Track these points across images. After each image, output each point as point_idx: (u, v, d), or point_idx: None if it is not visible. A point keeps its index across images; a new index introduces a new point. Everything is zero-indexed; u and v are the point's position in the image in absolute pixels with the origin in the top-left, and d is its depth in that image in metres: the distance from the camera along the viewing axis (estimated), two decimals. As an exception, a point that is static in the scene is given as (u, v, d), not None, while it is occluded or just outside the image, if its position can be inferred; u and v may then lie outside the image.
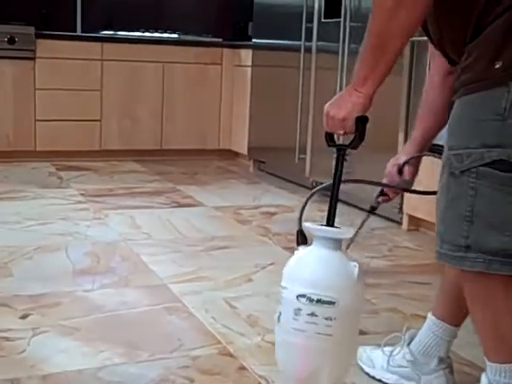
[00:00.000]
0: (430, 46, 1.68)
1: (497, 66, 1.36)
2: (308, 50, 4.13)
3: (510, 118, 1.35)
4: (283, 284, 1.52)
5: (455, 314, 1.74)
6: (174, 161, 5.19)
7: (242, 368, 1.90)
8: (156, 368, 1.87)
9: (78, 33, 5.40)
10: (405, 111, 3.40)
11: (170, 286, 2.50)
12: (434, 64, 1.77)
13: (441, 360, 1.76)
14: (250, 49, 5.03)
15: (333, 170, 1.55)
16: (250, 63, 5.03)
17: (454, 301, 1.72)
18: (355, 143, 1.52)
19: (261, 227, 3.41)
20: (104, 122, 5.04)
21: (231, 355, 1.97)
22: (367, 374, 1.89)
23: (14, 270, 2.62)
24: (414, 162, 1.82)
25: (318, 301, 1.46)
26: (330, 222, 1.53)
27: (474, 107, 1.40)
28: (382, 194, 1.85)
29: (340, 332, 1.49)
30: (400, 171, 1.80)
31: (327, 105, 1.51)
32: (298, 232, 1.61)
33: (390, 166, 1.83)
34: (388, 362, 1.84)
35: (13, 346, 1.97)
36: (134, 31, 5.32)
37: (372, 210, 1.88)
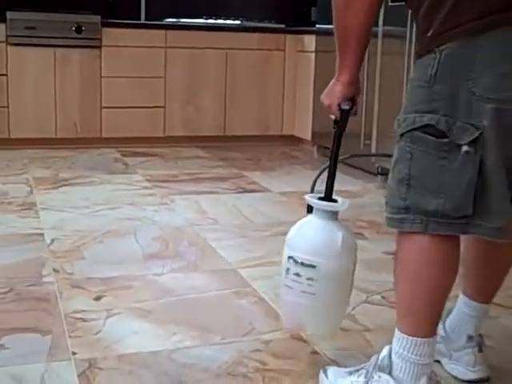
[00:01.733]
0: None
1: (428, 35, 1.43)
2: (374, 34, 4.06)
3: (437, 84, 1.41)
4: (284, 246, 1.75)
5: (480, 290, 1.75)
6: (237, 147, 5.20)
7: (315, 352, 1.90)
8: (229, 351, 1.88)
9: (142, 21, 5.45)
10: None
11: (238, 270, 2.51)
12: None
13: (470, 338, 1.77)
14: (313, 34, 4.99)
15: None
16: (313, 49, 4.99)
17: (478, 277, 1.75)
18: (339, 127, 1.71)
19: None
20: (168, 109, 5.09)
21: (303, 340, 1.97)
22: None
23: (86, 253, 2.67)
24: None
25: (302, 263, 1.68)
26: (326, 196, 1.73)
27: (414, 73, 1.50)
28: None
29: (322, 292, 1.68)
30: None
31: (322, 95, 1.71)
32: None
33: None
34: None
35: (88, 327, 2.01)
36: (197, 18, 5.34)
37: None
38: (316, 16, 5.19)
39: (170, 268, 2.52)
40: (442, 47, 1.39)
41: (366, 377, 1.59)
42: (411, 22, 3.72)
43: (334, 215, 1.71)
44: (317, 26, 4.96)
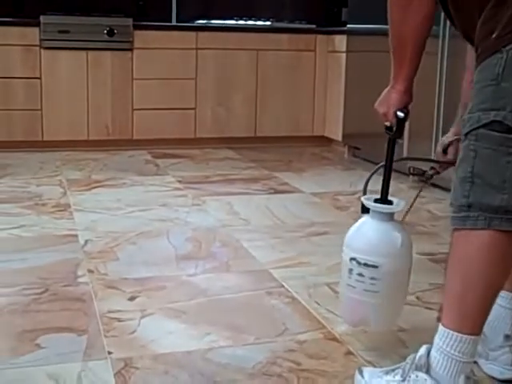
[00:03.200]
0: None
1: (493, 36, 1.44)
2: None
3: (504, 81, 1.41)
4: (343, 247, 1.83)
5: None
6: (267, 148, 5.20)
7: (349, 353, 1.89)
8: (263, 351, 1.88)
9: (174, 23, 5.49)
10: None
11: (271, 271, 2.51)
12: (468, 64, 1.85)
13: (507, 337, 1.75)
14: (344, 34, 4.97)
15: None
16: (344, 49, 4.97)
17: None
18: (395, 134, 1.78)
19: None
20: (199, 110, 5.11)
21: (337, 340, 1.96)
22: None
23: (119, 254, 2.69)
24: (458, 143, 1.87)
25: (365, 264, 1.76)
26: (383, 197, 1.80)
27: (479, 76, 1.49)
28: (432, 168, 2.03)
29: (385, 289, 1.78)
30: (445, 151, 1.94)
31: (376, 103, 1.78)
32: (361, 203, 1.83)
33: (438, 146, 1.97)
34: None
35: (123, 327, 2.03)
36: (227, 20, 5.36)
37: (426, 181, 2.09)
38: (346, 16, 5.17)
39: (202, 268, 2.53)
40: (509, 46, 1.41)
41: (402, 376, 1.57)
42: (444, 20, 3.69)
43: (390, 216, 1.80)
44: (347, 26, 4.94)
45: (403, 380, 1.56)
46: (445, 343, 1.51)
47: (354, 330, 1.99)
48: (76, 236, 2.91)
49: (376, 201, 1.81)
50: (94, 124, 4.96)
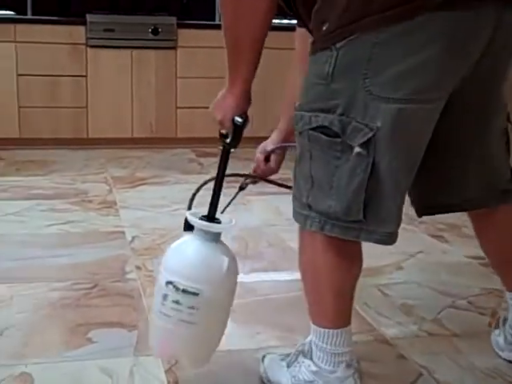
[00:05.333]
0: (296, 36, 1.74)
1: (323, 29, 1.34)
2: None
3: (334, 83, 1.33)
4: (160, 268, 1.58)
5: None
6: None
7: (401, 356, 1.87)
8: (314, 352, 1.87)
9: (217, 21, 5.49)
10: None
11: (318, 271, 2.50)
12: (296, 51, 1.78)
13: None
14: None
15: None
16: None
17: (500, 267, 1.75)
18: (231, 143, 1.60)
19: (404, 214, 3.33)
20: (242, 110, 5.10)
21: (388, 343, 1.94)
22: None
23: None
24: (280, 151, 1.87)
25: (184, 290, 1.51)
26: (210, 214, 1.59)
27: (310, 69, 1.40)
28: (248, 177, 1.93)
29: (203, 321, 1.54)
30: (267, 158, 1.86)
31: (211, 106, 1.59)
32: (185, 219, 1.60)
33: (258, 153, 1.88)
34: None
35: (173, 324, 2.03)
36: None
37: (241, 189, 1.95)
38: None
39: (250, 268, 2.53)
40: (339, 44, 1.31)
41: (289, 361, 1.65)
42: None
43: (217, 236, 1.58)
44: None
45: (289, 366, 1.64)
46: (317, 338, 1.55)
47: (406, 333, 1.97)
48: (123, 233, 2.94)
49: (203, 218, 1.59)
50: (138, 122, 4.99)
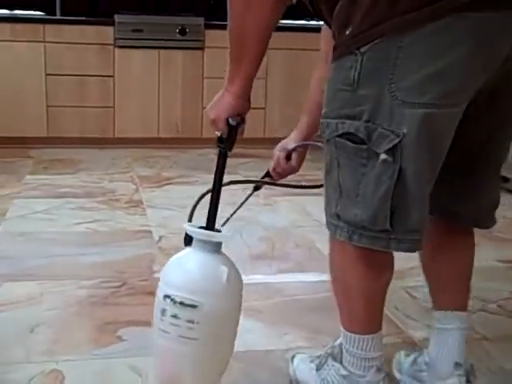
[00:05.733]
0: (321, 36, 1.71)
1: (347, 33, 1.30)
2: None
3: (360, 89, 1.29)
4: (159, 282, 1.51)
5: (448, 296, 1.66)
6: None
7: (430, 359, 1.85)
8: (342, 354, 1.86)
9: (244, 22, 5.50)
10: None
11: (346, 273, 2.49)
12: (322, 51, 1.74)
13: (457, 365, 1.61)
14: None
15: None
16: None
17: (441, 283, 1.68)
18: (225, 145, 1.53)
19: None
20: (268, 110, 5.11)
21: (416, 345, 1.93)
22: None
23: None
24: (302, 150, 1.84)
25: (181, 303, 1.42)
26: (209, 225, 1.51)
27: (334, 75, 1.35)
28: (267, 175, 1.95)
29: (205, 337, 1.44)
30: (287, 157, 1.83)
31: (207, 106, 1.55)
32: (185, 233, 1.54)
33: (278, 151, 1.86)
34: (412, 366, 1.75)
35: (201, 324, 2.04)
36: (298, 20, 5.34)
37: (255, 189, 1.99)
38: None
39: (277, 268, 2.53)
40: (363, 48, 1.27)
41: (319, 363, 1.63)
42: None
43: (216, 247, 1.50)
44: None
45: (318, 369, 1.62)
46: (347, 343, 1.53)
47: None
48: (150, 232, 2.95)
49: (201, 229, 1.52)
50: (165, 122, 5.02)
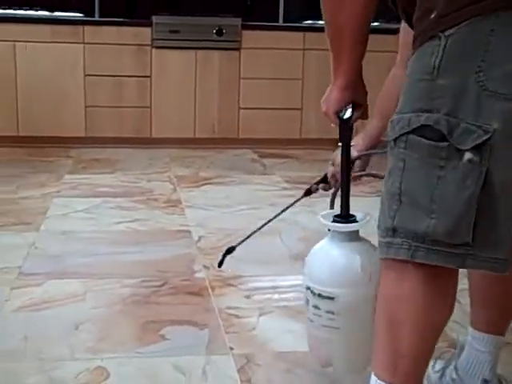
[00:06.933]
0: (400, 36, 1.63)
1: (432, 16, 1.15)
2: None
3: (440, 78, 1.13)
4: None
5: (491, 320, 1.55)
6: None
7: (475, 363, 1.83)
8: (385, 356, 1.86)
9: (281, 23, 5.50)
10: None
11: (386, 275, 2.48)
12: (400, 56, 1.68)
13: (485, 382, 1.53)
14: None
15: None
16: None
17: (486, 306, 1.56)
18: (340, 138, 1.50)
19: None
20: (305, 111, 5.11)
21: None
22: None
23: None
24: (366, 158, 1.77)
25: (319, 295, 1.47)
26: (343, 213, 1.51)
27: (413, 66, 1.21)
28: (323, 181, 1.87)
29: (346, 326, 1.47)
30: (351, 163, 1.74)
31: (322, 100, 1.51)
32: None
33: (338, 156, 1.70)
34: (441, 378, 1.67)
35: (243, 324, 2.05)
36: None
37: (307, 194, 1.95)
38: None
39: (317, 269, 2.53)
40: (448, 31, 1.12)
41: None
42: None
43: (352, 235, 1.50)
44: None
45: None
46: None
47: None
48: (189, 232, 2.97)
49: (336, 218, 1.52)
50: (201, 122, 5.04)
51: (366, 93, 1.49)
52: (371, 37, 1.39)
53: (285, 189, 3.85)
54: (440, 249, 1.15)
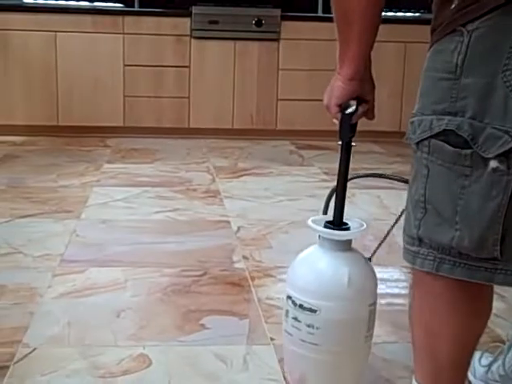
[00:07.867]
0: None
1: (452, 7, 1.06)
2: None
3: (465, 76, 1.05)
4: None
5: None
6: (412, 143, 5.08)
7: None
8: (429, 350, 1.83)
9: (319, 14, 5.46)
10: None
11: (428, 268, 2.45)
12: None
13: None
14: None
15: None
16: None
17: None
18: (340, 134, 1.38)
19: None
20: (343, 103, 5.06)
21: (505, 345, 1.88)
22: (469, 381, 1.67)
23: (272, 242, 2.72)
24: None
25: (300, 306, 1.37)
26: (336, 219, 1.39)
27: (431, 62, 1.13)
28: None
29: (327, 344, 1.36)
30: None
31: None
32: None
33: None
34: (487, 373, 1.63)
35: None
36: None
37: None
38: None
39: (358, 261, 2.50)
40: (471, 26, 1.04)
41: None
42: None
43: (344, 245, 1.40)
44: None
45: None
46: None
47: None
48: (228, 222, 2.97)
49: (328, 224, 1.41)
50: (239, 113, 5.04)
51: (374, 87, 1.39)
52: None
53: (324, 180, 3.83)
54: (466, 262, 1.10)
